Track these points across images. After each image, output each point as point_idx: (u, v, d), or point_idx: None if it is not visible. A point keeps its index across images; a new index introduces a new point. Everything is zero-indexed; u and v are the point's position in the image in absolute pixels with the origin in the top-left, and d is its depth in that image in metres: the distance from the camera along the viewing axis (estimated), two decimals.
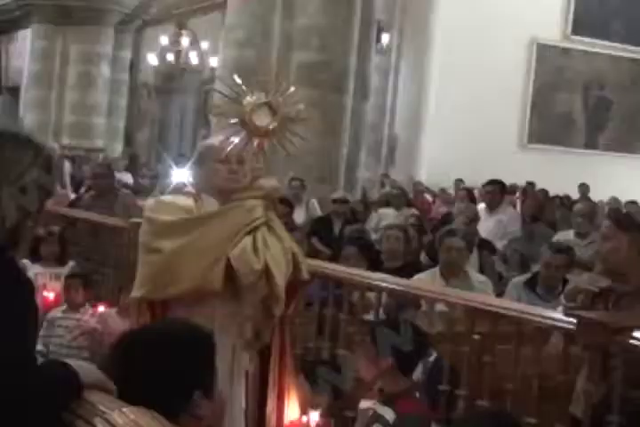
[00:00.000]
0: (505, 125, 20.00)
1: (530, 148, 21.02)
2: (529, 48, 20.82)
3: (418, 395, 4.56)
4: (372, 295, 5.50)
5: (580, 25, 21.22)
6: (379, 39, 17.01)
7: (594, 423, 3.85)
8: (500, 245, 8.59)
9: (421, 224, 10.74)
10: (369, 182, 16.44)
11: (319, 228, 10.07)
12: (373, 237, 9.01)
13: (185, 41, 22.07)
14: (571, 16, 21.23)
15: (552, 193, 15.31)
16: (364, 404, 4.43)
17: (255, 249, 3.83)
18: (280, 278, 3.87)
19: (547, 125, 21.28)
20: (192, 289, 3.86)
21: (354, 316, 5.44)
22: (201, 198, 4.05)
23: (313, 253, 8.07)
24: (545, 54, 20.97)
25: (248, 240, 3.84)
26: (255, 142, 3.93)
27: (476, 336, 4.65)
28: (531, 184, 17.01)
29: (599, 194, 16.40)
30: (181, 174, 12.82)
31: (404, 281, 5.55)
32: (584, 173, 18.82)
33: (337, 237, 9.71)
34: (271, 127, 3.94)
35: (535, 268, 6.96)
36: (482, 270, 7.30)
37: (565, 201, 15.51)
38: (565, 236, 8.34)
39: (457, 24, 18.97)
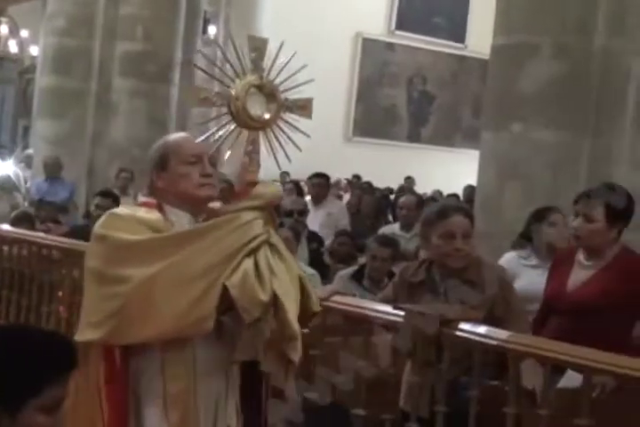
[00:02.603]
0: (330, 118, 20.17)
1: (355, 141, 21.31)
2: (354, 42, 21.09)
3: None
4: None
5: (404, 20, 21.64)
6: (205, 30, 16.90)
7: (431, 416, 3.89)
8: (331, 237, 8.64)
9: None
10: None
11: None
12: None
13: (4, 28, 21.39)
14: (395, 11, 21.62)
15: (377, 186, 15.53)
16: None
17: (259, 275, 2.95)
18: (293, 313, 3.00)
19: (371, 119, 21.62)
20: (174, 329, 2.93)
21: None
22: (165, 211, 3.16)
23: None
24: (370, 49, 21.29)
25: (249, 264, 2.95)
26: (248, 137, 3.13)
27: (305, 330, 4.64)
28: (356, 177, 17.23)
29: (422, 187, 16.76)
30: (4, 167, 12.48)
31: None
32: (407, 165, 19.19)
33: None
34: (267, 117, 3.14)
35: (361, 260, 7.02)
36: (311, 263, 7.33)
37: (388, 193, 15.78)
38: (390, 229, 8.46)
39: (283, 17, 19.02)
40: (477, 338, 3.71)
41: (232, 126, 3.10)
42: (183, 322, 2.91)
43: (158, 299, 2.90)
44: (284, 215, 8.61)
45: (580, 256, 4.59)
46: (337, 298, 4.49)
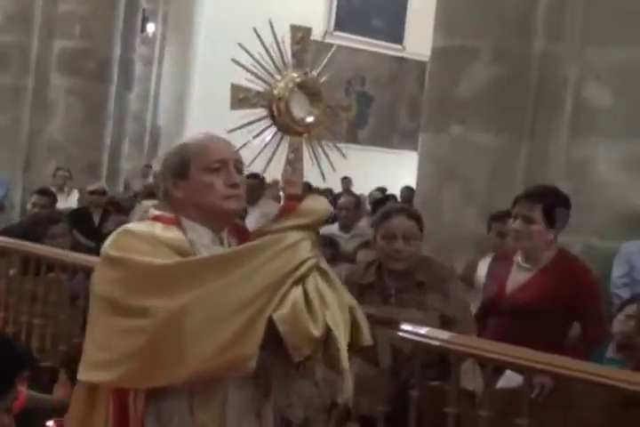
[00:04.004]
0: None
1: None
2: None
3: None
4: None
5: (343, 21, 21.66)
6: (143, 28, 16.81)
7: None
8: None
9: None
10: (132, 173, 16.29)
11: (79, 220, 9.86)
12: None
13: None
14: (333, 12, 21.64)
15: (314, 186, 15.52)
16: None
17: (309, 306, 2.52)
18: (344, 349, 2.59)
19: None
20: (208, 371, 2.49)
21: None
22: (183, 227, 2.67)
23: (75, 246, 7.95)
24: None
25: (298, 293, 2.52)
26: (290, 144, 2.71)
27: None
28: None
29: (360, 187, 16.80)
30: None
31: None
32: (345, 166, 19.16)
33: (97, 228, 9.62)
34: (311, 120, 2.71)
35: None
36: None
37: (328, 194, 15.78)
38: (329, 229, 8.48)
39: (221, 16, 18.96)
40: (419, 339, 3.74)
41: (273, 131, 2.70)
42: (220, 362, 2.47)
43: (190, 335, 2.44)
44: None
45: (519, 258, 4.64)
46: None
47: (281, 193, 15.06)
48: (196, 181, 2.66)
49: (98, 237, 8.27)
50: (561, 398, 3.73)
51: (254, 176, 10.18)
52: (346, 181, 17.63)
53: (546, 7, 6.33)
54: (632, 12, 6.25)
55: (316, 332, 2.50)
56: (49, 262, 5.61)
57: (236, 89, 2.71)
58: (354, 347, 2.67)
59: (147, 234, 2.59)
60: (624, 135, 6.29)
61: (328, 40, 21.58)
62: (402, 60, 22.68)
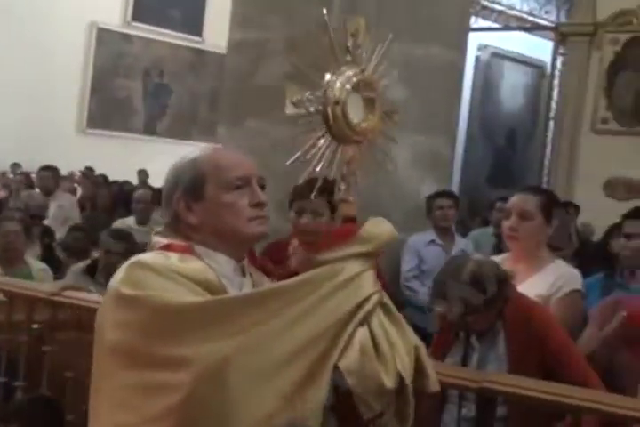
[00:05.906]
0: (63, 109, 19.70)
1: (89, 132, 20.90)
2: (89, 32, 20.65)
3: None
4: None
5: (141, 12, 21.40)
6: None
7: None
8: (62, 231, 8.48)
9: None
10: None
11: None
12: None
13: None
14: (131, 2, 21.36)
15: (111, 179, 15.30)
16: None
17: (377, 352, 2.09)
18: (412, 400, 2.19)
19: (106, 110, 21.27)
20: None
21: None
22: (199, 257, 2.23)
23: None
24: (105, 39, 20.92)
25: (364, 336, 2.08)
26: (344, 155, 2.30)
27: (36, 325, 4.55)
28: (89, 169, 16.91)
29: (158, 180, 16.64)
30: None
31: None
32: (143, 158, 19.01)
33: None
34: (366, 126, 2.28)
35: (95, 255, 6.93)
36: (44, 259, 7.18)
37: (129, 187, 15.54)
38: (125, 222, 8.39)
39: (14, 3, 18.41)
40: None
41: (327, 140, 2.27)
42: (275, 425, 1.96)
43: (236, 392, 1.93)
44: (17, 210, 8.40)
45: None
46: (69, 293, 4.44)
47: (76, 185, 14.76)
48: (213, 203, 2.26)
49: None
50: None
51: (49, 168, 10.02)
52: (142, 174, 17.44)
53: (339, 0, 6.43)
54: (420, 9, 6.43)
55: (389, 383, 2.08)
56: None
57: (290, 91, 2.30)
58: (419, 394, 2.24)
59: (164, 266, 2.12)
60: (417, 131, 6.47)
61: (126, 31, 21.30)
62: (201, 51, 22.61)
